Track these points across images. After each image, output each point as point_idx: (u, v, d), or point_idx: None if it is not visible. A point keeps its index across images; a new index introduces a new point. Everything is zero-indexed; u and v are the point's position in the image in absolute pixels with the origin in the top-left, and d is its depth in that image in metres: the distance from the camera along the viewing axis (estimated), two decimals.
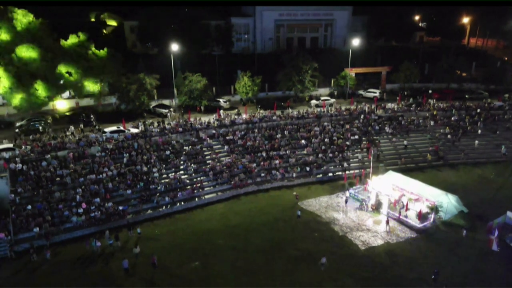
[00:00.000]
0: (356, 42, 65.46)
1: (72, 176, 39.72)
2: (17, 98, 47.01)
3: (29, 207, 35.87)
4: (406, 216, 37.40)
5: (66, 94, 56.58)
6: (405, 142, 52.31)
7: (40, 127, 47.84)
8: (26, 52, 46.55)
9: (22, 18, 48.53)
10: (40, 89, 47.59)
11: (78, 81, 50.73)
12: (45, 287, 29.13)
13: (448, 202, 37.89)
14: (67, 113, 54.58)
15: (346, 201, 40.66)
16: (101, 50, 52.76)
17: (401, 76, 70.53)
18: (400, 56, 76.41)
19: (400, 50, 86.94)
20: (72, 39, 51.75)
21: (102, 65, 52.48)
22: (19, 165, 39.08)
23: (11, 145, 41.75)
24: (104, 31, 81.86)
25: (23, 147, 41.78)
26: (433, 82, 73.47)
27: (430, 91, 68.82)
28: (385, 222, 36.55)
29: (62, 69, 49.16)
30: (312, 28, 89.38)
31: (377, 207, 39.27)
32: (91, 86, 52.11)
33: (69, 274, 30.30)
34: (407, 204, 38.29)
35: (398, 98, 63.74)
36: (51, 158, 40.89)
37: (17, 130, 47.35)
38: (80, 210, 36.68)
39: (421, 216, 36.80)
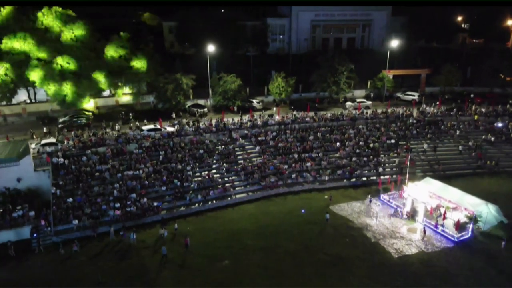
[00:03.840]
0: (395, 43, 63.85)
1: (110, 171, 41.22)
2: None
3: (70, 200, 37.56)
4: (443, 225, 36.10)
5: (107, 92, 58.71)
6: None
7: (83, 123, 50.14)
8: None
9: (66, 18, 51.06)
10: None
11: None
12: (81, 277, 30.34)
13: (488, 212, 36.31)
14: (107, 111, 56.58)
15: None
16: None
17: (442, 79, 68.15)
18: (441, 58, 73.89)
19: (441, 51, 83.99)
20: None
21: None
22: (61, 160, 40.94)
23: (54, 140, 43.86)
24: (145, 31, 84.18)
25: (65, 142, 43.77)
26: (475, 86, 70.48)
27: (472, 95, 66.10)
28: (421, 231, 35.54)
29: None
30: (349, 28, 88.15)
31: (412, 215, 38.16)
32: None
33: (103, 265, 31.41)
34: (444, 213, 36.95)
35: (438, 102, 61.55)
36: (91, 154, 42.62)
37: (60, 126, 49.68)
38: (117, 205, 38.02)
39: (459, 226, 35.41)
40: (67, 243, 33.72)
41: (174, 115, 55.01)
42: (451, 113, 56.95)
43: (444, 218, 36.65)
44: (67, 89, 48.47)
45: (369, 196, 41.54)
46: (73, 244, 33.13)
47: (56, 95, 49.04)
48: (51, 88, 48.43)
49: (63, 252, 32.79)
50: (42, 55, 49.02)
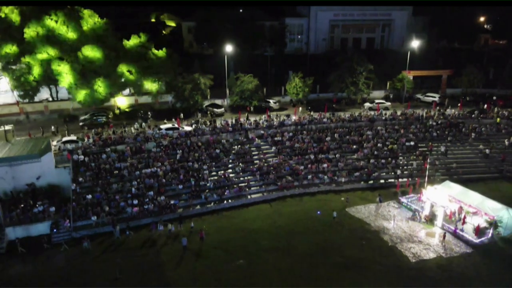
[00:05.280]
0: (415, 43, 62.78)
1: (129, 169, 41.87)
2: (82, 94, 50.32)
3: (89, 196, 38.32)
4: (462, 230, 35.37)
5: (127, 91, 59.62)
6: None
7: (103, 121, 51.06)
8: (91, 51, 49.71)
9: (88, 18, 51.98)
10: (102, 86, 50.54)
11: (137, 79, 53.32)
12: (98, 273, 30.90)
13: (508, 217, 35.36)
14: (127, 109, 57.42)
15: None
16: (160, 51, 54.76)
17: (463, 80, 66.66)
18: (462, 59, 72.27)
19: (463, 52, 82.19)
20: (133, 40, 54.24)
21: (160, 65, 54.63)
22: (81, 157, 41.81)
23: (74, 138, 44.81)
24: (164, 31, 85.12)
25: (86, 139, 44.68)
26: (498, 88, 68.74)
27: (494, 98, 64.47)
28: (441, 236, 34.91)
29: (123, 68, 51.91)
30: (368, 28, 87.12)
31: (431, 219, 37.50)
32: (149, 85, 54.42)
33: (121, 261, 31.82)
34: (464, 217, 36.21)
35: (459, 103, 60.24)
36: (110, 151, 43.38)
37: (80, 124, 50.71)
38: (135, 202, 38.60)
39: (479, 231, 34.65)
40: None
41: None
42: (473, 115, 55.68)
43: (464, 222, 35.93)
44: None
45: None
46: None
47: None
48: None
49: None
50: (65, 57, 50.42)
